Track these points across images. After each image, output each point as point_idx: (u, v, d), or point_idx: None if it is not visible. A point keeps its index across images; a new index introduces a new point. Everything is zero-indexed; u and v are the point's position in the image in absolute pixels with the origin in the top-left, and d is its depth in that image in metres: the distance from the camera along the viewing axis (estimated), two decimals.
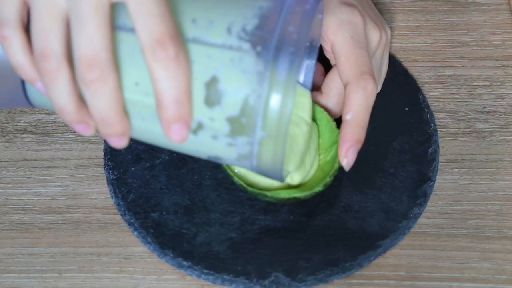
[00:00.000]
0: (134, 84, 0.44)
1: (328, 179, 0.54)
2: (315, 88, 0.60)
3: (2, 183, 0.60)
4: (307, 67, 0.56)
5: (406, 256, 0.56)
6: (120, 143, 0.45)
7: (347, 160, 0.53)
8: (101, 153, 0.60)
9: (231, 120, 0.44)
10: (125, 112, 0.44)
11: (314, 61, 0.55)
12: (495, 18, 0.67)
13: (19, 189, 0.59)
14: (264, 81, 0.43)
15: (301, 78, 0.56)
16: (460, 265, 0.55)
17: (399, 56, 0.65)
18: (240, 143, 0.45)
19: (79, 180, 0.59)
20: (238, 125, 0.44)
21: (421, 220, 0.57)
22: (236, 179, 0.54)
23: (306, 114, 0.54)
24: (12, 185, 0.59)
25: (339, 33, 0.54)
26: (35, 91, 0.47)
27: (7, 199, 0.59)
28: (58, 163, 0.60)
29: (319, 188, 0.53)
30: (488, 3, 0.68)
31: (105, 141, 0.60)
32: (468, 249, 0.56)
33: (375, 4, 0.67)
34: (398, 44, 0.66)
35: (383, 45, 0.58)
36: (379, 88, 0.60)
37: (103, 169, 0.60)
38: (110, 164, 0.59)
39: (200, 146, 0.46)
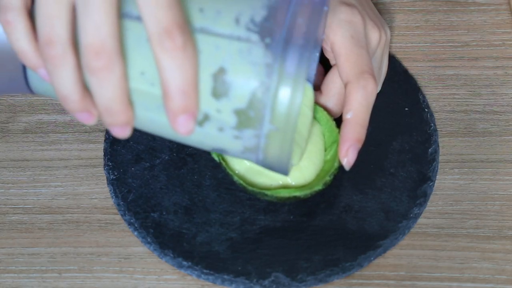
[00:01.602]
0: (140, 74, 0.43)
1: (327, 178, 0.54)
2: (315, 88, 0.60)
3: (2, 183, 0.60)
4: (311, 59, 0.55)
5: (406, 256, 0.56)
6: (123, 133, 0.44)
7: (347, 159, 0.53)
8: (101, 153, 0.60)
9: (239, 113, 0.43)
10: (129, 101, 0.43)
11: (317, 53, 0.55)
12: (495, 18, 0.67)
13: (19, 189, 0.59)
14: (273, 73, 0.42)
15: None
16: (460, 265, 0.55)
17: (399, 56, 0.65)
18: (247, 136, 0.44)
19: (79, 180, 0.59)
20: (245, 118, 0.43)
21: (421, 220, 0.57)
22: (236, 178, 0.54)
23: (309, 106, 0.54)
24: (12, 185, 0.59)
25: (339, 32, 0.54)
26: (37, 77, 0.46)
27: (7, 199, 0.59)
28: (58, 163, 0.60)
29: (318, 187, 0.53)
30: (488, 3, 0.68)
31: (105, 141, 0.60)
32: (468, 249, 0.56)
33: (375, 4, 0.67)
34: (398, 44, 0.66)
35: (382, 45, 0.58)
36: (378, 88, 0.60)
37: (103, 169, 0.60)
38: (110, 164, 0.59)
39: (205, 138, 0.45)
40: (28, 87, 0.47)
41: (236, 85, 0.43)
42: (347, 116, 0.53)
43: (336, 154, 0.54)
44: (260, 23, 0.43)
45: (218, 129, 0.44)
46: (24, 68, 0.46)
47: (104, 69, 0.41)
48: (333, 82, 0.57)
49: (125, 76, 0.42)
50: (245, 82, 0.43)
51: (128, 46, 0.43)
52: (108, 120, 0.43)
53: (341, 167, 0.54)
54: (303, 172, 0.54)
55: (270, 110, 0.43)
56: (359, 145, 0.53)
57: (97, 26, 0.40)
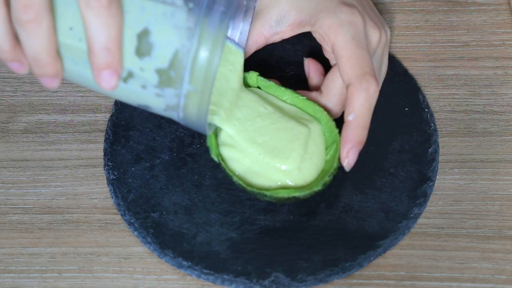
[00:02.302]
0: (69, 29, 0.45)
1: (327, 178, 0.54)
2: (315, 88, 0.60)
3: (2, 183, 0.60)
4: (242, 32, 0.56)
5: (406, 256, 0.56)
6: (52, 84, 0.46)
7: (348, 160, 0.53)
8: (101, 153, 0.60)
9: (160, 72, 0.45)
10: (58, 54, 0.46)
11: (248, 26, 0.55)
12: (495, 18, 0.67)
13: (19, 189, 0.59)
14: (194, 37, 0.45)
15: (236, 39, 0.56)
16: (460, 265, 0.55)
17: (399, 56, 0.65)
18: (168, 95, 0.46)
19: (79, 180, 0.59)
20: (166, 77, 0.45)
21: (421, 220, 0.57)
22: (235, 179, 0.54)
23: (237, 71, 0.55)
24: (12, 185, 0.59)
25: (340, 33, 0.54)
26: None
27: (7, 199, 0.59)
28: (58, 163, 0.60)
29: (318, 187, 0.53)
30: (488, 3, 0.68)
31: (105, 141, 0.60)
32: (468, 249, 0.56)
33: (375, 4, 0.67)
34: (398, 44, 0.66)
35: (382, 45, 0.58)
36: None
37: (103, 169, 0.60)
38: (110, 164, 0.59)
39: (130, 94, 0.47)
40: None
41: (159, 46, 0.45)
42: (349, 118, 0.53)
43: (335, 154, 0.54)
44: None
45: (141, 86, 0.46)
46: None
47: (32, 22, 0.43)
48: (333, 82, 0.57)
49: (53, 30, 0.44)
50: (167, 44, 0.45)
51: (58, 2, 0.45)
52: (37, 71, 0.46)
53: (341, 167, 0.54)
54: (304, 173, 0.54)
55: (189, 71, 0.45)
56: (360, 147, 0.53)
57: None
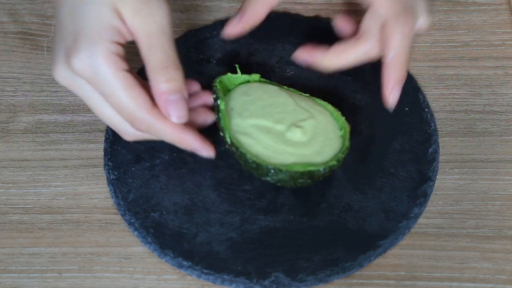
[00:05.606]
0: None
1: (341, 155, 0.54)
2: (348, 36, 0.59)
3: (2, 183, 0.60)
4: None
5: (406, 256, 0.56)
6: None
7: (392, 98, 0.55)
8: (101, 153, 0.60)
9: None
10: None
11: None
12: (495, 18, 0.67)
13: (19, 189, 0.59)
14: None
15: None
16: (460, 265, 0.55)
17: None
18: None
19: (79, 180, 0.59)
20: None
21: (421, 220, 0.57)
22: (249, 156, 0.53)
23: None
24: (12, 185, 0.59)
25: None
26: None
27: (7, 199, 0.59)
28: (58, 163, 0.60)
29: (333, 162, 0.53)
30: (488, 3, 0.68)
31: (105, 141, 0.60)
32: (468, 249, 0.56)
33: None
34: None
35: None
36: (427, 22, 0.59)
37: (103, 169, 0.60)
38: (110, 164, 0.59)
39: None
40: None
41: None
42: (389, 57, 0.53)
43: (346, 133, 0.55)
44: None
45: None
46: None
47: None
48: (374, 20, 0.56)
49: None
50: None
51: None
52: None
53: (342, 165, 0.54)
54: (323, 157, 0.54)
55: None
56: (402, 84, 0.54)
57: None
